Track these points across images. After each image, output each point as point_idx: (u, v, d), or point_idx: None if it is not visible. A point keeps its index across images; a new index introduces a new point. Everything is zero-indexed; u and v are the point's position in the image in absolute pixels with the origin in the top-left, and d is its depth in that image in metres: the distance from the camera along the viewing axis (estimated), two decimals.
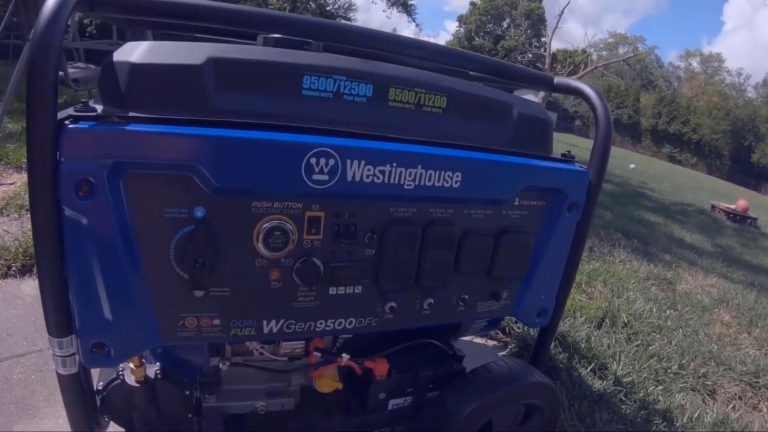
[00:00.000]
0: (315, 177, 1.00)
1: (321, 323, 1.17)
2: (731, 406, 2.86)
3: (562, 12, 23.33)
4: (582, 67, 25.10)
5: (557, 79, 1.60)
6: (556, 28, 24.35)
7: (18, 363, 2.17)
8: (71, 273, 0.93)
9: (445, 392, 1.46)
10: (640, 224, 7.98)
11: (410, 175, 1.10)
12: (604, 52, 58.58)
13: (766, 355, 3.63)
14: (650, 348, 3.17)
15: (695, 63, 75.82)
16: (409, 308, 1.27)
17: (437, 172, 1.13)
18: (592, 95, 1.48)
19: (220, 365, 1.30)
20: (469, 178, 1.17)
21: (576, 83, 1.57)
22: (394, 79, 1.12)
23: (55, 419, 1.90)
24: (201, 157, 0.92)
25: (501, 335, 3.05)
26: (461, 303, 1.34)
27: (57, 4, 0.85)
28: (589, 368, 2.73)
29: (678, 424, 2.47)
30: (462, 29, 73.62)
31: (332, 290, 1.15)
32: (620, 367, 2.82)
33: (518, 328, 3.01)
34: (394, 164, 1.07)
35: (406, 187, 1.10)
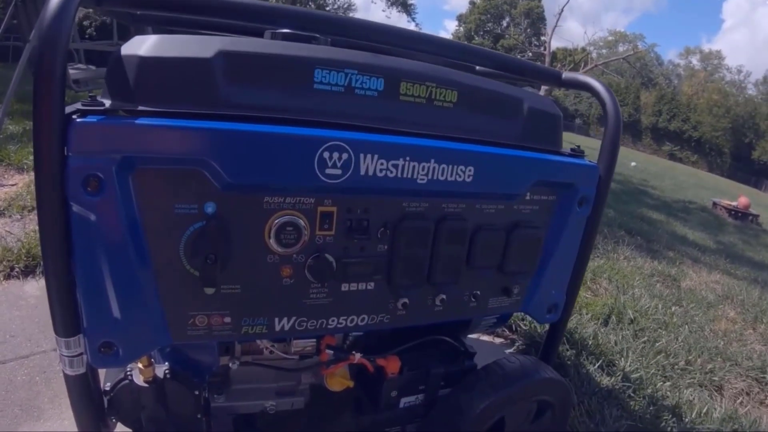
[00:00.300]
0: (328, 171, 0.99)
1: (333, 320, 1.15)
2: (739, 401, 2.85)
3: (562, 10, 23.34)
4: (582, 65, 25.09)
5: (565, 74, 1.59)
6: (555, 26, 24.36)
7: (22, 365, 2.16)
8: (79, 271, 0.91)
9: (457, 389, 1.44)
10: (643, 222, 8.00)
11: (423, 169, 1.08)
12: (604, 51, 58.71)
13: None
14: (657, 344, 3.17)
15: (695, 60, 75.88)
16: (421, 304, 1.25)
17: (450, 167, 1.11)
18: (601, 90, 1.47)
19: (230, 364, 1.29)
20: (482, 173, 1.16)
21: (584, 78, 1.55)
22: (405, 73, 1.10)
23: (60, 421, 1.89)
24: (212, 152, 0.91)
25: (508, 333, 3.04)
26: (473, 299, 1.32)
27: None
28: (596, 365, 2.72)
29: (687, 420, 2.46)
30: (461, 28, 73.68)
31: (344, 287, 1.13)
32: (628, 364, 2.81)
33: (525, 325, 3.01)
34: (408, 158, 1.05)
35: (419, 181, 1.09)
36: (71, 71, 6.40)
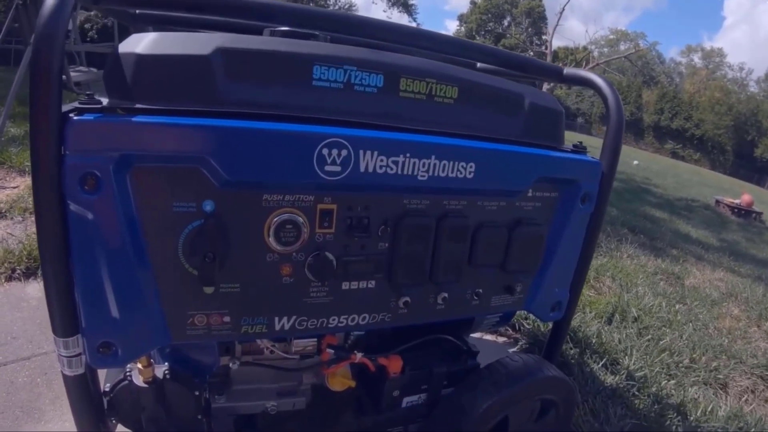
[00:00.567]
0: (327, 168, 0.98)
1: (334, 319, 1.14)
2: (744, 399, 2.84)
3: (563, 9, 23.31)
4: (584, 64, 25.09)
5: (567, 70, 1.57)
6: (556, 25, 24.33)
7: (23, 366, 2.16)
8: (77, 270, 0.90)
9: (460, 389, 1.43)
10: (646, 220, 7.99)
11: (424, 165, 1.07)
12: (605, 49, 58.67)
13: None
14: (661, 342, 3.16)
15: (697, 58, 75.79)
16: (423, 303, 1.24)
17: (451, 163, 1.10)
18: (603, 85, 1.46)
19: (230, 364, 1.28)
20: (483, 169, 1.15)
21: (586, 74, 1.54)
22: (405, 69, 1.09)
23: (61, 423, 1.89)
24: (210, 149, 0.90)
25: (511, 332, 3.03)
26: (475, 297, 1.31)
27: None
28: (601, 363, 2.71)
29: (692, 419, 2.45)
30: (462, 28, 73.69)
31: (345, 285, 1.12)
32: (632, 362, 2.80)
33: (528, 324, 3.00)
34: (408, 155, 1.05)
35: (419, 178, 1.08)
36: (73, 74, 6.42)
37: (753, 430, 2.45)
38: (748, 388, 2.94)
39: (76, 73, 6.80)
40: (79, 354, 0.97)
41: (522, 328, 3.01)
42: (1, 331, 2.37)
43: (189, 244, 0.95)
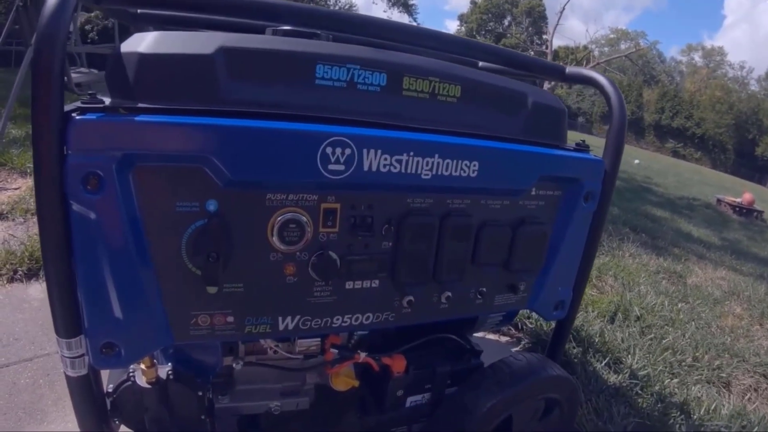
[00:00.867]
0: (331, 167, 0.97)
1: (338, 319, 1.14)
2: (747, 397, 2.84)
3: (563, 9, 23.34)
4: (584, 63, 25.09)
5: (569, 69, 1.57)
6: (557, 25, 24.35)
7: (25, 367, 2.16)
8: (79, 270, 0.90)
9: (464, 388, 1.43)
10: (647, 219, 7.98)
11: (428, 164, 1.07)
12: (606, 48, 58.64)
13: None
14: (664, 341, 3.15)
15: (697, 57, 75.80)
16: (427, 302, 1.24)
17: (455, 162, 1.10)
18: (605, 84, 1.46)
19: (234, 365, 1.28)
20: (487, 168, 1.15)
21: (588, 72, 1.54)
22: (408, 67, 1.09)
23: (64, 424, 1.88)
24: (213, 148, 0.89)
25: (514, 331, 3.03)
26: (479, 296, 1.31)
27: None
28: (604, 362, 2.71)
29: (695, 417, 2.44)
30: (463, 28, 73.68)
31: (349, 284, 1.12)
32: (635, 361, 2.80)
33: (531, 323, 3.00)
34: (411, 153, 1.04)
35: (423, 176, 1.07)
36: (74, 75, 6.42)
37: (756, 428, 2.45)
38: (751, 386, 2.94)
39: (77, 74, 6.80)
40: (82, 355, 0.96)
41: (525, 327, 3.00)
42: (3, 332, 2.37)
43: (192, 244, 0.95)
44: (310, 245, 1.04)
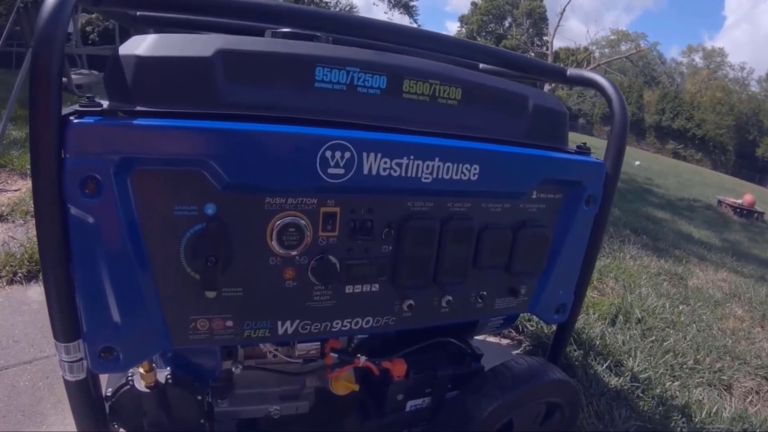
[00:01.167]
0: (330, 171, 0.97)
1: (337, 323, 1.13)
2: (748, 400, 2.83)
3: (564, 10, 23.33)
4: (585, 64, 25.10)
5: (570, 71, 1.57)
6: (558, 26, 24.36)
7: (25, 370, 2.15)
8: (78, 275, 0.90)
9: (465, 392, 1.42)
10: (648, 220, 7.97)
11: (428, 168, 1.06)
12: (606, 50, 58.68)
13: None
14: (665, 343, 3.14)
15: (698, 58, 75.82)
16: (427, 306, 1.23)
17: (455, 165, 1.09)
18: (607, 86, 1.45)
19: (233, 369, 1.27)
20: (488, 171, 1.14)
21: (590, 74, 1.53)
22: (408, 70, 1.08)
23: (63, 427, 1.88)
24: (212, 152, 0.89)
25: (514, 333, 3.03)
26: (480, 300, 1.30)
27: None
28: (605, 365, 2.70)
29: (696, 420, 2.44)
30: (464, 29, 73.73)
31: (349, 288, 1.12)
32: (636, 364, 2.79)
33: (532, 326, 2.99)
34: (412, 157, 1.03)
35: (423, 180, 1.07)
36: (74, 76, 6.42)
37: (758, 431, 2.44)
38: (752, 389, 2.93)
39: (77, 76, 6.80)
40: (81, 359, 0.96)
41: (525, 329, 3.00)
42: (2, 334, 2.36)
43: (191, 248, 0.95)
44: (309, 249, 1.03)
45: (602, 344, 2.95)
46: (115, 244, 0.89)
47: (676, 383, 2.74)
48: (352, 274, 1.09)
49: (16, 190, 4.14)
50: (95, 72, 7.72)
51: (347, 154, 0.97)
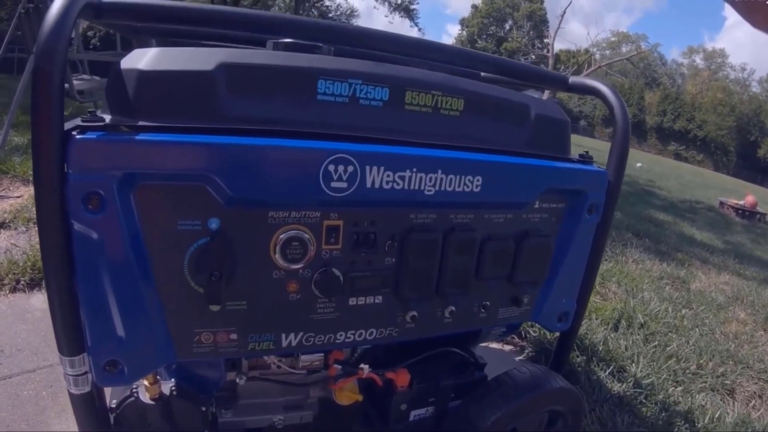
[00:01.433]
0: (333, 184, 0.97)
1: (341, 335, 1.13)
2: (751, 405, 2.82)
3: (564, 12, 23.39)
4: (585, 66, 25.12)
5: (572, 79, 1.57)
6: (558, 28, 24.39)
7: (28, 379, 2.15)
8: (81, 289, 0.90)
9: (468, 401, 1.42)
10: (650, 223, 7.95)
11: (430, 180, 1.06)
12: (607, 51, 58.69)
13: None
14: (668, 348, 3.13)
15: (698, 59, 75.94)
16: (430, 317, 1.23)
17: (458, 177, 1.09)
18: (609, 94, 1.45)
19: (237, 380, 1.27)
20: (490, 182, 1.14)
21: (592, 82, 1.53)
22: (410, 81, 1.08)
23: None
24: (215, 167, 0.89)
25: (518, 339, 3.02)
26: (482, 310, 1.30)
27: (61, 11, 0.82)
28: (608, 371, 2.70)
29: (699, 426, 2.43)
30: (464, 32, 73.86)
31: (352, 301, 1.12)
32: (639, 369, 2.78)
33: (535, 332, 2.99)
34: (414, 169, 1.03)
35: (426, 192, 1.07)
36: (75, 82, 6.42)
37: None
38: (755, 393, 2.92)
39: (78, 82, 6.80)
40: (86, 372, 0.96)
41: (528, 335, 2.99)
42: (5, 343, 2.36)
43: (194, 263, 0.95)
44: (312, 262, 1.03)
45: (605, 350, 2.94)
46: (118, 259, 0.89)
47: (679, 389, 2.73)
48: (355, 286, 1.09)
49: (18, 197, 4.14)
50: (97, 77, 7.72)
51: (350, 168, 0.97)
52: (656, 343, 3.19)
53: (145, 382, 1.17)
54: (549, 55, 25.36)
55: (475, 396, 1.41)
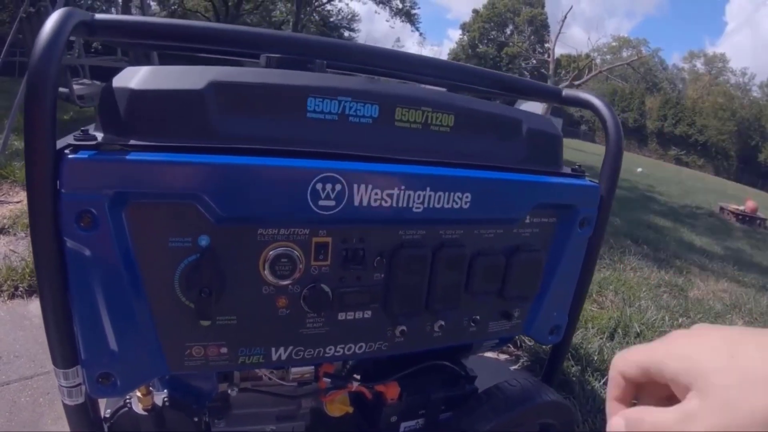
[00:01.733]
0: (321, 203, 0.98)
1: (330, 349, 1.14)
2: None
3: (565, 17, 23.37)
4: (586, 71, 25.11)
5: (566, 92, 1.57)
6: (559, 33, 24.39)
7: (26, 386, 2.16)
8: (75, 304, 0.91)
9: (458, 414, 1.43)
10: (650, 229, 7.95)
11: (419, 197, 1.07)
12: (608, 56, 58.73)
13: None
14: None
15: (699, 64, 75.86)
16: (419, 331, 1.24)
17: (446, 194, 1.10)
18: (601, 107, 1.45)
19: (229, 391, 1.28)
20: (479, 198, 1.15)
21: (584, 95, 1.54)
22: (400, 98, 1.09)
23: None
24: (205, 186, 0.90)
25: (512, 348, 3.03)
26: (472, 324, 1.31)
27: (54, 30, 0.84)
28: (602, 381, 2.70)
29: None
30: (465, 37, 73.86)
31: (341, 316, 1.12)
32: None
33: (530, 341, 2.98)
34: (402, 187, 1.04)
35: (414, 210, 1.07)
36: (76, 87, 6.45)
37: None
38: None
39: (79, 86, 6.83)
40: (79, 384, 0.97)
41: (523, 344, 3.00)
42: (3, 349, 2.37)
43: (185, 279, 0.96)
44: (301, 278, 1.04)
45: (600, 359, 2.94)
46: (111, 275, 0.90)
47: None
48: (344, 302, 1.09)
49: (17, 202, 4.16)
50: (97, 82, 7.75)
51: (338, 187, 0.98)
52: None
53: (138, 393, 1.18)
54: (550, 60, 25.35)
55: (466, 409, 1.42)
